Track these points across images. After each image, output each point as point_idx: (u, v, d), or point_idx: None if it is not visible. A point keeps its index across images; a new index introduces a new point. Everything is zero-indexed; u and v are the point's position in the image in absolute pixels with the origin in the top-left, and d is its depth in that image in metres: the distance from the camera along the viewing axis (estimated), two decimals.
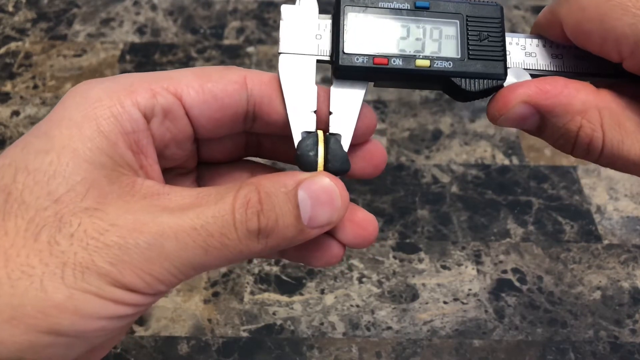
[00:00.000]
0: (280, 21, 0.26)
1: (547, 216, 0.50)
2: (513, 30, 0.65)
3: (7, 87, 0.58)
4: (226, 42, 0.63)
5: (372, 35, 0.26)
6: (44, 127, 0.23)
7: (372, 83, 0.27)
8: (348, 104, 0.26)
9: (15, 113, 0.56)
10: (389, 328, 0.44)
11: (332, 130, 0.25)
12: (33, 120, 0.56)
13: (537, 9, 0.67)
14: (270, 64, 0.61)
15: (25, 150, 0.22)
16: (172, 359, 0.42)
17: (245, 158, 0.30)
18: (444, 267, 0.47)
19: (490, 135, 0.56)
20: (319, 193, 0.23)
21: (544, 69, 0.27)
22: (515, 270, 0.47)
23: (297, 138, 0.25)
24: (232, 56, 0.62)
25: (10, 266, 0.20)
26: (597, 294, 0.46)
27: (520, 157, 0.54)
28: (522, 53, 0.27)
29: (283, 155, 0.29)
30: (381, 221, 0.50)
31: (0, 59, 0.61)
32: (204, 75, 0.25)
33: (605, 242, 0.49)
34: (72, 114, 0.22)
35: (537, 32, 0.27)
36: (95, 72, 0.60)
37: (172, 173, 0.27)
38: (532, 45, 0.27)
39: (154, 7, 0.66)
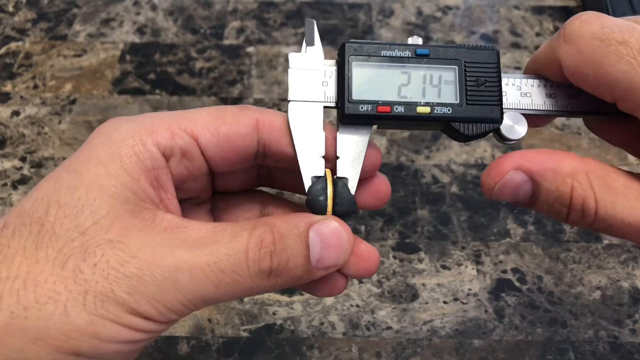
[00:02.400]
0: (288, 69, 0.27)
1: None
2: (513, 31, 0.65)
3: (7, 87, 0.58)
4: (226, 42, 0.63)
5: (375, 83, 0.27)
6: (74, 164, 0.25)
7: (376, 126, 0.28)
8: (354, 148, 0.27)
9: (16, 113, 0.56)
10: (389, 328, 0.44)
11: (339, 174, 0.27)
12: (33, 120, 0.56)
13: (537, 9, 0.67)
14: (270, 64, 0.61)
15: (56, 185, 0.24)
16: (172, 358, 0.42)
17: (256, 188, 0.31)
18: (444, 267, 0.47)
19: (489, 135, 0.56)
20: (329, 237, 0.25)
21: (539, 108, 0.28)
22: (515, 270, 0.47)
23: (307, 183, 0.26)
24: (232, 56, 0.62)
25: (39, 291, 0.22)
26: (597, 294, 0.46)
27: None
28: (518, 93, 0.28)
29: (291, 186, 0.31)
30: (381, 221, 0.50)
31: (0, 59, 0.61)
32: (219, 118, 0.26)
33: (605, 242, 0.49)
34: (98, 152, 0.24)
35: (535, 66, 0.28)
36: (96, 72, 0.60)
37: (188, 203, 0.29)
38: (528, 85, 0.28)
39: (154, 7, 0.66)
